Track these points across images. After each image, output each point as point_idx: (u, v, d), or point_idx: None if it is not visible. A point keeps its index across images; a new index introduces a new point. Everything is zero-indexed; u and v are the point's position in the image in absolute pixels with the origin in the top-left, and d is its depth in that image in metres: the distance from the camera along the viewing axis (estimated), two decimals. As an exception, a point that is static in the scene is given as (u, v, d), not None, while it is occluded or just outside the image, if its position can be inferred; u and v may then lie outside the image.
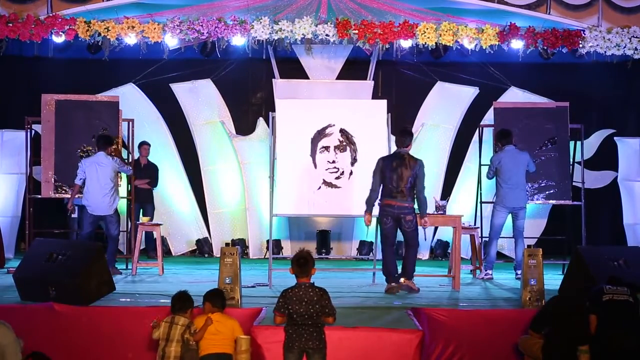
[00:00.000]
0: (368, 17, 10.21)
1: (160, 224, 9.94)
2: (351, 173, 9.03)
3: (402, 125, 11.04)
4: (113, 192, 9.17)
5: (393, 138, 9.56)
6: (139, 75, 11.46)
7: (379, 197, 8.14)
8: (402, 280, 8.12)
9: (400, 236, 8.30)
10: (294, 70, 11.60)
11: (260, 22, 10.09)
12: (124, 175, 9.93)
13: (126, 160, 9.90)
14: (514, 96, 11.35)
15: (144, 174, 10.96)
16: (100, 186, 9.08)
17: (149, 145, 11.12)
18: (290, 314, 5.49)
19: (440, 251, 11.57)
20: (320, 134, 9.08)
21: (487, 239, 10.02)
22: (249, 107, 12.14)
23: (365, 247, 11.41)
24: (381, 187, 8.11)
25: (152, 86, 11.59)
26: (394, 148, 9.16)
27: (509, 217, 9.31)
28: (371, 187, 8.19)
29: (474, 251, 9.62)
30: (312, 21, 10.09)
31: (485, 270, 9.20)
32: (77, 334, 6.60)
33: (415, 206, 8.15)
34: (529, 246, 7.73)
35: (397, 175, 8.01)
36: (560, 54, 10.44)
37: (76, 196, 9.33)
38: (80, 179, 9.15)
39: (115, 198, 9.20)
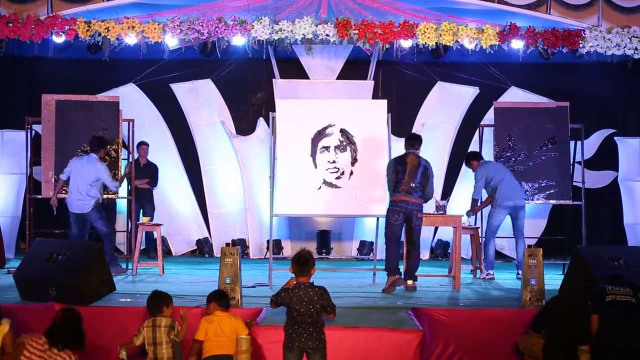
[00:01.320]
0: (368, 17, 10.21)
1: (161, 224, 9.93)
2: (351, 173, 9.02)
3: (400, 125, 11.17)
4: (88, 195, 9.08)
5: (393, 138, 9.59)
6: (139, 76, 11.47)
7: (392, 192, 8.25)
8: (409, 282, 8.16)
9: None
10: (294, 70, 11.61)
11: (261, 22, 10.09)
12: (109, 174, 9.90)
13: (117, 174, 9.68)
14: (514, 96, 11.36)
15: (144, 174, 10.95)
16: (77, 185, 9.08)
17: (147, 145, 11.12)
18: (291, 313, 5.48)
19: (441, 251, 11.58)
20: (321, 134, 9.07)
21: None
22: (249, 107, 12.15)
23: (365, 247, 11.42)
24: (394, 185, 8.22)
25: (152, 86, 11.60)
26: (394, 148, 9.18)
27: (508, 217, 9.31)
28: (388, 188, 8.37)
29: (474, 251, 9.61)
30: (312, 21, 10.09)
31: (487, 270, 9.20)
32: (77, 334, 6.59)
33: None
34: (529, 246, 7.73)
35: (411, 173, 8.14)
36: (561, 54, 10.44)
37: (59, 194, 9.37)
38: (66, 175, 9.21)
39: (89, 199, 9.08)
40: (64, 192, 9.71)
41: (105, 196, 9.43)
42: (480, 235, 9.78)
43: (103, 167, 9.19)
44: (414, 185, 8.14)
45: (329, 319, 5.64)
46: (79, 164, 9.18)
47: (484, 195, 9.43)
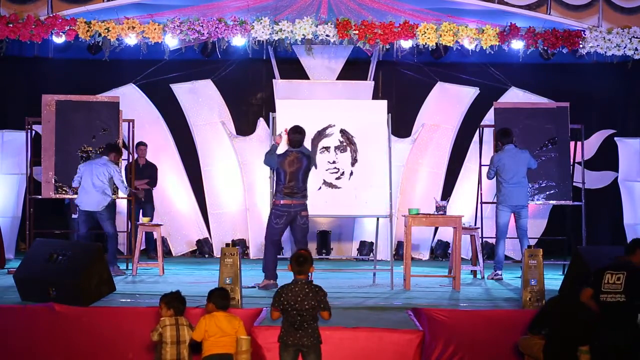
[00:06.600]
0: (368, 17, 10.20)
1: (161, 225, 9.93)
2: (351, 173, 9.02)
3: (400, 125, 11.16)
4: (103, 192, 9.18)
5: (393, 138, 9.60)
6: (140, 76, 11.47)
7: (275, 195, 8.23)
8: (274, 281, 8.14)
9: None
10: (294, 70, 11.61)
11: (261, 23, 10.08)
12: (123, 177, 9.93)
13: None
14: (515, 96, 11.35)
15: (143, 175, 10.95)
16: (92, 184, 9.14)
17: (146, 145, 11.12)
18: (286, 309, 5.47)
19: (441, 251, 11.57)
20: (321, 134, 9.08)
21: (488, 240, 10.03)
22: (249, 107, 12.15)
23: (365, 247, 11.42)
24: (279, 185, 8.19)
25: (153, 86, 11.60)
26: (394, 148, 9.19)
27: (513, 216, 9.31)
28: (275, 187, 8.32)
29: (474, 251, 9.61)
30: (312, 22, 10.08)
31: (495, 271, 9.20)
32: (77, 334, 6.60)
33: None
34: (529, 246, 7.74)
35: (299, 175, 8.16)
36: (561, 54, 10.43)
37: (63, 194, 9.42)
38: (77, 182, 9.29)
39: (104, 197, 9.20)
40: (64, 192, 9.73)
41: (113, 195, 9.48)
42: (481, 235, 9.79)
43: (116, 168, 9.31)
44: (296, 190, 8.15)
45: (323, 319, 5.58)
46: (90, 166, 9.25)
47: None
